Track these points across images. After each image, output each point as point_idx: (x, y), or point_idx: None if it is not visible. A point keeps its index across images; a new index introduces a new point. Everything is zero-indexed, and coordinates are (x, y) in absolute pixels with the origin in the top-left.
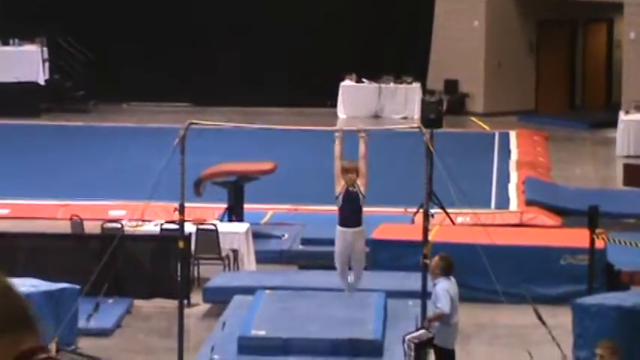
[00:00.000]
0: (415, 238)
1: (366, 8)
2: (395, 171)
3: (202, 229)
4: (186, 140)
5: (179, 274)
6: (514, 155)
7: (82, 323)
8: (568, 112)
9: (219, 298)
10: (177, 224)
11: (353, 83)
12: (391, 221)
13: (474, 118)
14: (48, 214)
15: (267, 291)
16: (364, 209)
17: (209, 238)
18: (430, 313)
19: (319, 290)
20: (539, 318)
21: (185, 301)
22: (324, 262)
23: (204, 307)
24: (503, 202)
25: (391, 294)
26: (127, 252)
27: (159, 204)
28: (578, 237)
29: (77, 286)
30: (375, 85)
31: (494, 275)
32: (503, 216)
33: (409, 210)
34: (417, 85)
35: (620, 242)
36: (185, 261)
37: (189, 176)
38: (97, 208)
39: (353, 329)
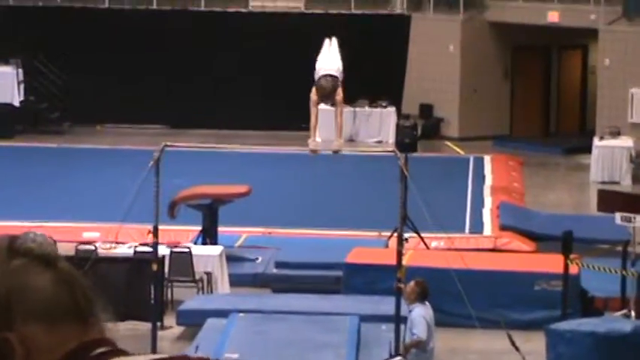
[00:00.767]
0: (389, 262)
1: (341, 32)
2: (369, 195)
3: (176, 252)
4: (160, 163)
5: (152, 296)
6: (488, 180)
7: None
8: (543, 138)
9: (193, 321)
10: (151, 246)
11: (328, 107)
12: (365, 245)
13: (448, 143)
14: None
15: (241, 314)
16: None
17: (183, 261)
18: (407, 339)
19: (293, 314)
20: (513, 343)
21: (158, 324)
22: (298, 286)
23: (178, 329)
24: (477, 227)
25: (365, 318)
26: (100, 274)
27: (133, 226)
28: (552, 262)
29: None
30: (349, 108)
31: (468, 300)
32: (478, 241)
33: (383, 234)
34: (391, 109)
35: (594, 268)
36: (159, 283)
37: (163, 199)
38: (71, 230)
39: (326, 354)
